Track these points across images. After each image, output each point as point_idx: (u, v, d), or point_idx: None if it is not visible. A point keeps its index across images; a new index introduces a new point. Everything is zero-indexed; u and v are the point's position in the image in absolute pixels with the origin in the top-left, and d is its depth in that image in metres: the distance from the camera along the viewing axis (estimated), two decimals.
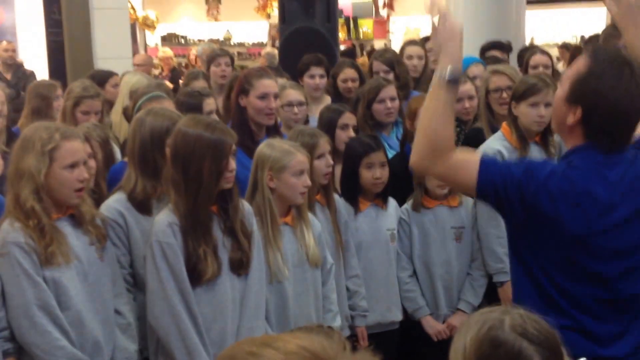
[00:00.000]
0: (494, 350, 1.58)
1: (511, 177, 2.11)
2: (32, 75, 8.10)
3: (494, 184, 2.12)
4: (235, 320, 2.76)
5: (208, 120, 2.80)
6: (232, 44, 14.61)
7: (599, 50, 2.22)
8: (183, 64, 12.45)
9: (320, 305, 3.10)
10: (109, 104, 4.73)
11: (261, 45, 14.13)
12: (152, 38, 14.78)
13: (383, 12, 14.45)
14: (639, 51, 2.40)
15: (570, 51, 8.54)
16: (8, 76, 7.96)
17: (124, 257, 2.87)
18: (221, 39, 14.74)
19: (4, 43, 8.23)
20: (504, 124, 3.72)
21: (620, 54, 2.19)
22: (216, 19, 15.40)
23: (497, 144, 3.63)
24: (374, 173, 3.47)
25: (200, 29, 15.19)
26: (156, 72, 10.39)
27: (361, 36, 14.16)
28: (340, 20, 11.97)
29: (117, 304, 2.77)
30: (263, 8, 14.54)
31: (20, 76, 7.99)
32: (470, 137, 4.00)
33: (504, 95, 3.93)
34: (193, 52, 9.82)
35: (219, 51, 5.97)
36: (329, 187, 3.36)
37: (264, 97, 3.54)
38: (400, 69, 4.79)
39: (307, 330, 1.75)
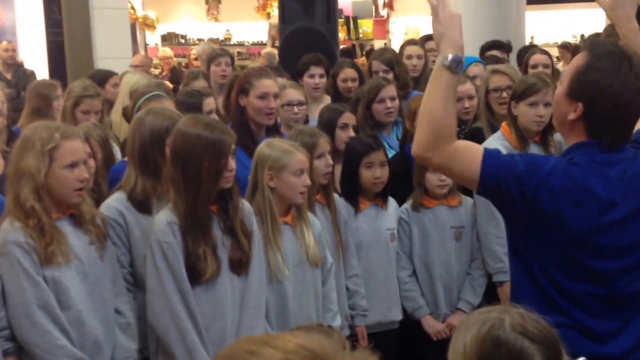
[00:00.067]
0: (496, 350, 1.58)
1: (514, 170, 2.10)
2: (32, 75, 8.10)
3: (496, 177, 2.11)
4: (235, 319, 2.76)
5: (207, 120, 2.81)
6: (232, 43, 14.60)
7: (597, 45, 2.22)
8: (183, 64, 12.45)
9: (320, 305, 3.10)
10: (109, 103, 4.73)
11: (261, 45, 14.12)
12: (152, 38, 14.77)
13: (383, 12, 14.44)
14: (633, 45, 2.39)
15: (570, 51, 8.55)
16: (8, 76, 7.96)
17: (124, 256, 2.87)
18: (221, 38, 14.73)
19: (4, 43, 8.23)
20: (504, 124, 3.72)
21: (619, 48, 2.19)
22: (216, 19, 15.39)
23: (496, 143, 3.63)
24: (374, 173, 3.47)
25: (200, 28, 15.18)
26: (156, 72, 10.39)
27: (361, 36, 14.15)
28: (340, 20, 11.96)
29: (117, 303, 2.78)
30: (263, 8, 14.54)
31: (21, 76, 8.00)
32: (470, 136, 4.00)
33: (504, 94, 3.93)
34: (193, 52, 9.80)
35: (219, 51, 5.97)
36: (329, 186, 3.36)
37: (263, 97, 3.54)
38: (399, 68, 4.79)
39: (306, 330, 1.76)
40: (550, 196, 2.08)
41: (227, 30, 15.01)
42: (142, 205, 2.88)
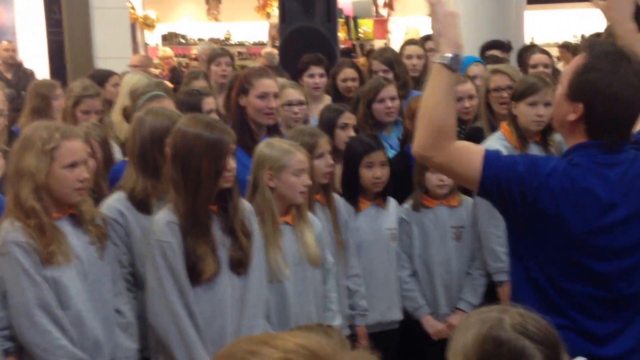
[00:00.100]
0: (496, 350, 1.57)
1: (514, 171, 2.10)
2: (32, 74, 8.11)
3: (497, 177, 2.11)
4: (235, 319, 2.76)
5: (207, 120, 2.80)
6: (232, 43, 14.60)
7: (596, 45, 2.22)
8: (184, 64, 12.45)
9: (320, 305, 3.10)
10: (109, 103, 4.73)
11: (261, 44, 14.12)
12: (153, 38, 14.77)
13: (383, 12, 14.44)
14: (631, 46, 2.39)
15: (570, 51, 8.55)
16: (8, 76, 7.96)
17: (124, 256, 2.87)
18: (221, 38, 14.73)
19: (4, 43, 8.23)
20: (504, 124, 3.72)
21: (618, 48, 2.19)
22: (216, 19, 15.39)
23: (496, 143, 3.63)
24: (374, 172, 3.47)
25: (200, 28, 15.18)
26: (156, 71, 10.39)
27: (361, 36, 14.14)
28: (341, 20, 11.95)
29: (118, 303, 2.78)
30: (263, 8, 14.54)
31: (21, 76, 8.00)
32: (470, 136, 3.99)
33: (504, 94, 3.93)
34: (194, 52, 9.83)
35: (220, 50, 5.98)
36: (329, 186, 3.36)
37: (263, 96, 3.54)
38: (399, 68, 4.79)
39: (306, 329, 1.75)
40: (550, 197, 2.08)
41: (228, 30, 15.00)
42: (142, 205, 2.88)
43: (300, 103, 4.04)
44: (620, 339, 2.16)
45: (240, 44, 14.81)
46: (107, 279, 2.74)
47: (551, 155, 3.10)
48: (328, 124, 3.73)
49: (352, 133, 3.73)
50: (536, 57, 5.04)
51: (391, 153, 3.88)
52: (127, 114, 3.74)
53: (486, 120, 4.01)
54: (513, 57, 6.00)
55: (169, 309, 2.65)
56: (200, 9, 15.53)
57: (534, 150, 3.64)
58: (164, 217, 2.69)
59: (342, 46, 11.08)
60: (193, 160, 2.65)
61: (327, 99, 4.81)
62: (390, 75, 4.66)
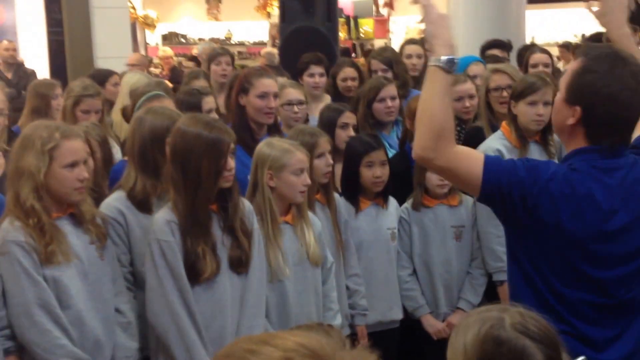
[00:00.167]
0: (497, 349, 1.57)
1: (515, 176, 2.10)
2: (32, 74, 8.11)
3: (498, 182, 2.10)
4: (235, 318, 2.77)
5: (207, 119, 2.80)
6: (232, 43, 14.60)
7: (591, 48, 2.22)
8: (183, 63, 12.44)
9: (320, 304, 3.10)
10: (109, 103, 4.73)
11: (262, 44, 14.12)
12: (153, 37, 14.77)
13: (383, 12, 14.44)
14: (627, 49, 2.38)
15: (571, 50, 8.54)
16: (9, 75, 7.97)
17: (124, 255, 2.87)
18: (222, 38, 14.73)
19: (5, 42, 8.24)
20: (504, 123, 3.72)
21: (614, 50, 2.19)
22: (216, 18, 15.39)
23: (496, 143, 3.64)
24: (375, 172, 3.47)
25: (200, 28, 15.17)
26: (156, 71, 10.39)
27: (362, 35, 14.14)
28: (341, 20, 11.95)
29: (118, 302, 2.78)
30: (263, 7, 14.54)
31: (21, 75, 8.00)
32: (471, 135, 4.00)
33: (504, 94, 3.93)
34: (194, 51, 9.83)
35: (220, 50, 5.98)
36: (329, 186, 3.36)
37: (263, 96, 3.54)
38: (398, 67, 4.79)
39: (306, 329, 1.75)
40: (550, 203, 2.07)
41: (228, 30, 15.00)
42: (142, 204, 2.88)
43: (300, 102, 4.04)
44: (619, 344, 2.16)
45: (241, 44, 14.81)
46: (107, 278, 2.74)
47: (551, 161, 3.10)
48: (328, 124, 3.74)
49: (352, 132, 3.73)
50: (536, 57, 5.04)
51: (391, 152, 3.88)
52: (126, 114, 3.74)
53: (486, 120, 4.01)
54: (513, 56, 6.00)
55: (169, 309, 2.65)
56: (200, 9, 15.53)
57: (534, 149, 3.64)
58: (163, 216, 2.69)
59: (340, 46, 11.07)
60: (193, 160, 2.65)
61: (327, 99, 4.81)
62: (389, 75, 4.66)
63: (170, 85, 5.42)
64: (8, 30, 9.65)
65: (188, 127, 2.69)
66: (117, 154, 3.77)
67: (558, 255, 2.12)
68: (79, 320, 2.60)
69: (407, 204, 3.64)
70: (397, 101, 4.19)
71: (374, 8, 14.44)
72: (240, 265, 2.77)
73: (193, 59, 8.65)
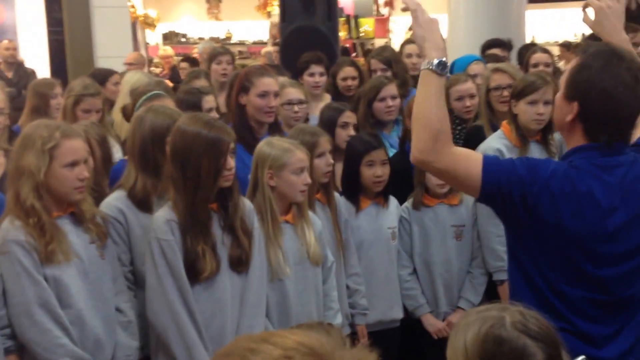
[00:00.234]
0: (497, 348, 1.57)
1: (515, 175, 2.10)
2: (33, 73, 8.12)
3: (498, 182, 2.10)
4: (235, 317, 2.77)
5: (207, 118, 2.80)
6: (232, 42, 14.60)
7: (588, 45, 2.23)
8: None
9: (321, 303, 3.11)
10: (110, 102, 4.73)
11: (262, 43, 14.12)
12: (153, 37, 14.77)
13: (384, 11, 14.43)
14: None
15: (571, 50, 8.54)
16: (9, 75, 7.97)
17: (124, 254, 2.87)
18: (222, 37, 14.72)
19: (5, 42, 8.24)
20: (504, 122, 3.72)
21: (609, 46, 2.20)
22: (217, 18, 15.38)
23: (497, 142, 3.64)
24: (375, 171, 3.48)
25: (201, 27, 15.17)
26: (157, 70, 10.39)
27: (362, 35, 14.13)
28: (341, 19, 11.94)
29: (118, 301, 2.78)
30: (264, 6, 14.53)
31: (22, 75, 8.01)
32: (471, 135, 4.00)
33: (505, 93, 3.94)
34: (195, 51, 9.82)
35: (221, 49, 5.98)
36: (329, 185, 3.36)
37: (264, 95, 3.54)
38: (397, 67, 4.79)
39: (306, 328, 1.75)
40: (550, 202, 2.08)
41: (228, 29, 15.00)
42: (143, 203, 2.88)
43: (300, 102, 4.04)
44: (618, 340, 2.16)
45: (241, 43, 14.81)
46: (108, 277, 2.74)
47: (550, 159, 3.10)
48: (328, 123, 3.74)
49: (352, 132, 3.73)
50: (537, 56, 5.04)
51: (391, 152, 3.89)
52: (126, 113, 3.74)
53: (487, 119, 4.01)
54: (514, 56, 6.00)
55: (169, 307, 2.65)
56: (200, 8, 15.52)
57: (535, 148, 3.64)
58: (163, 215, 2.69)
59: (340, 45, 11.06)
60: (192, 159, 2.65)
61: (327, 98, 4.81)
62: (388, 74, 4.66)
63: (170, 84, 5.42)
64: (8, 29, 9.65)
65: (188, 127, 2.69)
66: (117, 153, 3.76)
67: (558, 254, 2.12)
68: (79, 320, 2.60)
69: (408, 203, 3.64)
70: (398, 100, 4.19)
71: (374, 7, 14.44)
72: (240, 264, 2.77)
73: (188, 59, 8.65)
